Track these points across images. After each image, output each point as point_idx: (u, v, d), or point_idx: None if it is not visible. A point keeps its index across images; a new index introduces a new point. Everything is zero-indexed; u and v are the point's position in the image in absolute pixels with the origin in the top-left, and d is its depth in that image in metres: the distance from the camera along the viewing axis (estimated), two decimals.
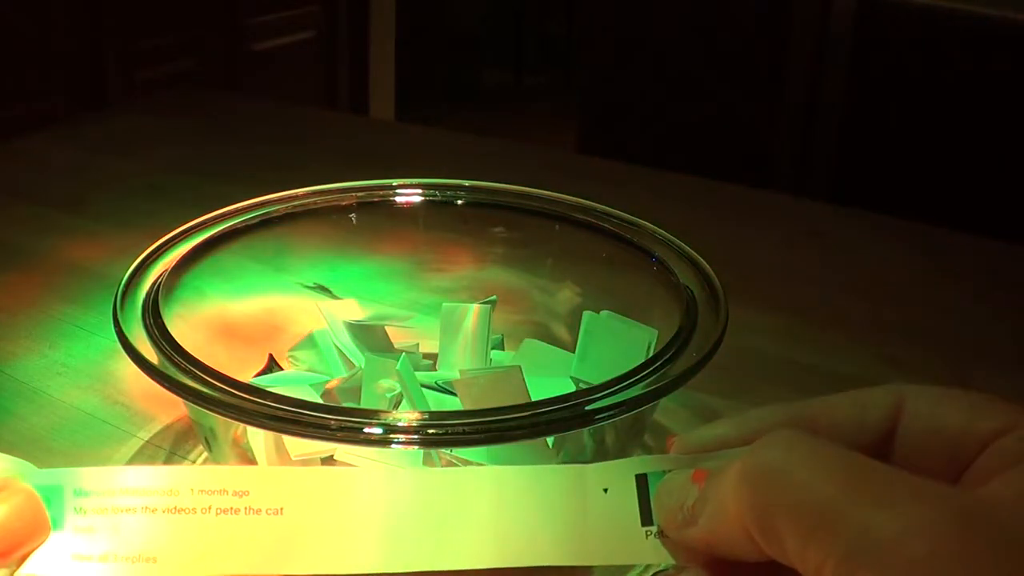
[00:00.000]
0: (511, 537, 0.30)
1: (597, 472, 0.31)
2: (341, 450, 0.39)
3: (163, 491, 0.30)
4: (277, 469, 0.36)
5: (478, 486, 0.30)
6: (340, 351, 0.47)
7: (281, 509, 0.30)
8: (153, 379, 0.37)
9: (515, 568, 0.30)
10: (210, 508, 0.30)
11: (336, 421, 0.33)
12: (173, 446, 0.46)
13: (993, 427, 0.27)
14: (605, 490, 0.30)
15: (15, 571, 0.30)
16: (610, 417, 0.35)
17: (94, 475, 0.31)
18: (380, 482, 0.30)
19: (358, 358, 0.46)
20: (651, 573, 0.38)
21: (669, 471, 0.30)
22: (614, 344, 0.44)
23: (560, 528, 0.30)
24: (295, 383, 0.45)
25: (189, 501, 0.30)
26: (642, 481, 0.30)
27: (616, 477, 0.30)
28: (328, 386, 0.44)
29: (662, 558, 0.30)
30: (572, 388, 0.44)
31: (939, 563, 0.22)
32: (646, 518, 0.30)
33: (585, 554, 0.30)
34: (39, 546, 0.30)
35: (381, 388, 0.42)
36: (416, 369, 0.45)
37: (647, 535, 0.30)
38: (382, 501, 0.30)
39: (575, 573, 0.36)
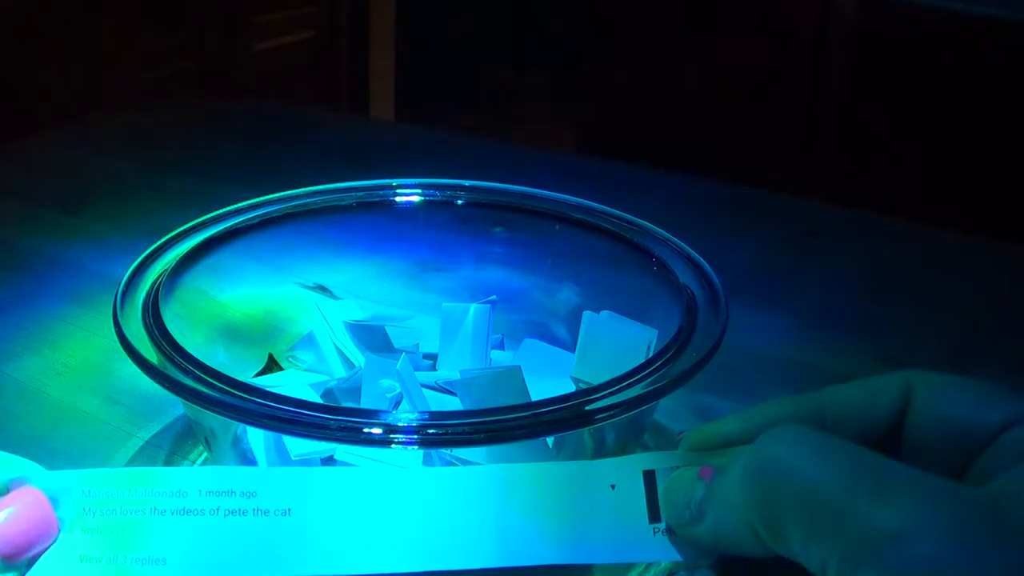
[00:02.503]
0: (518, 535, 0.30)
1: (604, 468, 0.30)
2: (341, 450, 0.39)
3: (171, 492, 0.30)
4: (284, 469, 0.36)
5: (485, 484, 0.30)
6: (340, 351, 0.47)
7: (289, 510, 0.30)
8: (153, 379, 0.36)
9: (516, 567, 0.30)
10: (218, 509, 0.30)
11: (336, 421, 0.33)
12: (173, 446, 0.46)
13: (1001, 418, 0.27)
14: (612, 486, 0.30)
15: (24, 572, 0.30)
16: (610, 417, 0.35)
17: (102, 477, 0.31)
18: (388, 482, 0.30)
19: (358, 358, 0.46)
20: (652, 572, 0.38)
21: (677, 467, 0.30)
22: (614, 344, 0.44)
23: (567, 525, 0.30)
24: (295, 383, 0.45)
25: (197, 502, 0.30)
26: (650, 477, 0.30)
27: (624, 473, 0.30)
28: (328, 386, 0.44)
29: (670, 555, 0.30)
30: (572, 388, 0.44)
31: (944, 561, 0.22)
32: (654, 515, 0.30)
33: (592, 552, 0.30)
34: (48, 548, 0.30)
35: (381, 388, 0.42)
36: (416, 369, 0.45)
37: (655, 532, 0.30)
38: (390, 501, 0.30)
39: (574, 571, 0.35)
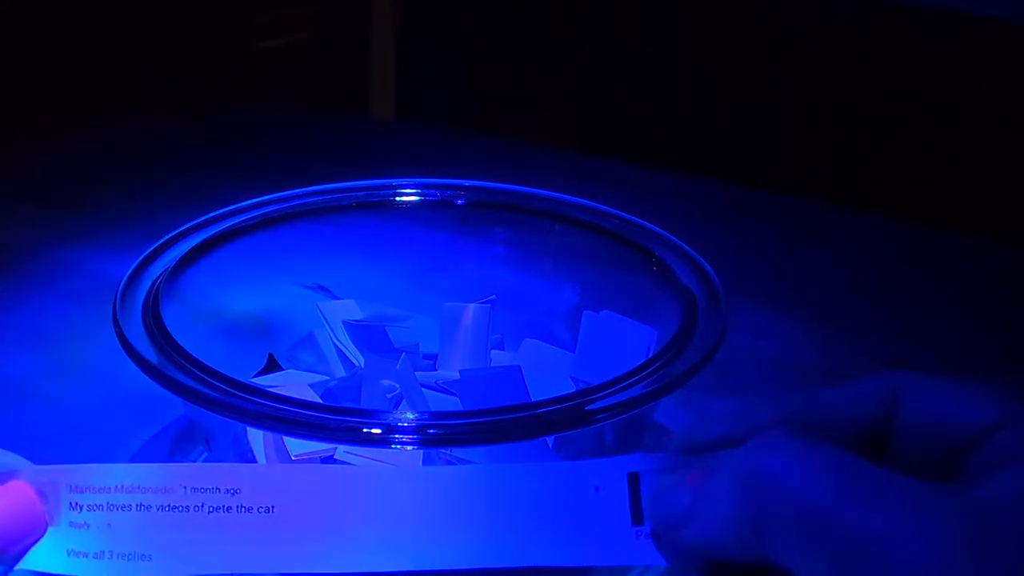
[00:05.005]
0: (502, 536, 0.30)
1: (588, 470, 0.30)
2: (341, 450, 0.39)
3: (157, 488, 0.30)
4: (269, 467, 0.36)
5: (470, 485, 0.30)
6: (340, 351, 0.47)
7: (272, 507, 0.30)
8: (153, 379, 0.37)
9: (514, 568, 0.30)
10: (203, 506, 0.30)
11: (336, 421, 0.33)
12: (173, 446, 0.46)
13: (990, 420, 0.26)
14: (596, 488, 0.30)
15: (12, 567, 0.30)
16: (610, 417, 0.35)
17: (90, 472, 0.31)
18: (372, 480, 0.30)
19: (358, 358, 0.46)
20: (651, 573, 0.38)
21: (662, 470, 0.30)
22: (614, 344, 0.44)
23: (550, 527, 0.30)
24: (295, 383, 0.45)
25: (182, 499, 0.30)
26: (634, 480, 0.30)
27: (608, 475, 0.30)
28: (328, 386, 0.44)
29: (654, 559, 0.29)
30: (572, 388, 0.44)
31: (933, 566, 0.22)
32: (638, 518, 0.30)
33: (575, 555, 0.30)
34: (35, 543, 0.30)
35: (381, 388, 0.42)
36: (416, 369, 0.45)
37: (638, 535, 0.30)
38: (374, 499, 0.30)
39: (575, 573, 0.36)
